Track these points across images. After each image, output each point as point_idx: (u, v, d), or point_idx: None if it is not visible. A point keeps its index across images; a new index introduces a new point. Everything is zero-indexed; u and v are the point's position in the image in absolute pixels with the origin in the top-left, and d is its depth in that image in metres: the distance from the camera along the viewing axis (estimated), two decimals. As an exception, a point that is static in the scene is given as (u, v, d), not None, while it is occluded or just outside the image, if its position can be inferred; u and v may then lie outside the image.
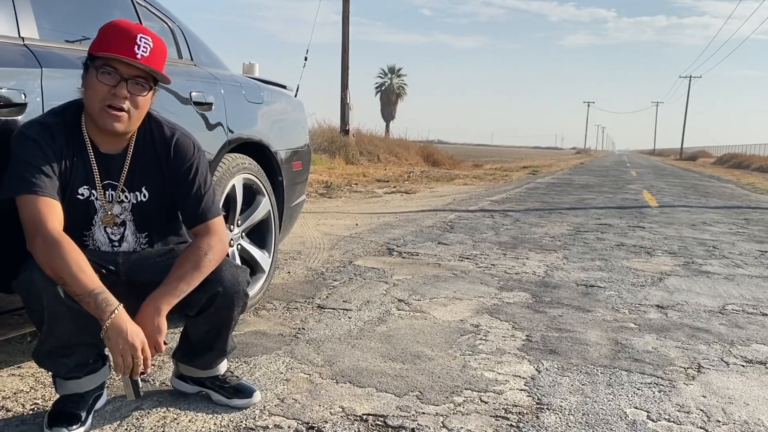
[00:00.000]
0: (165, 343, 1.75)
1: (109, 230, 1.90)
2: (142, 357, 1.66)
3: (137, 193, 1.90)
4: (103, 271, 1.81)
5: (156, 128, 1.93)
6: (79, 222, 1.85)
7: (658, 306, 3.55)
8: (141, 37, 1.74)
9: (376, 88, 58.27)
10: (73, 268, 1.61)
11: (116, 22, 1.79)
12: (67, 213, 1.78)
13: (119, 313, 1.63)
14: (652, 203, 10.13)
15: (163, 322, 1.73)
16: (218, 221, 1.94)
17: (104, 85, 1.74)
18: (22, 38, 2.00)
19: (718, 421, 2.10)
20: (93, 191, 1.85)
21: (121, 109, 1.76)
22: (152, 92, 1.84)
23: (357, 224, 6.53)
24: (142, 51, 1.73)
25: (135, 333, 1.65)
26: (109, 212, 1.88)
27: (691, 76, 72.13)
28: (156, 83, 1.84)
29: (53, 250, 1.62)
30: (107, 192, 1.87)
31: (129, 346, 1.63)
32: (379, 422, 1.99)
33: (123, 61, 1.73)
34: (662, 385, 2.39)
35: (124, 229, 1.92)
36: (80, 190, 1.83)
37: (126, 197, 1.89)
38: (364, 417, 2.02)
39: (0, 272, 1.79)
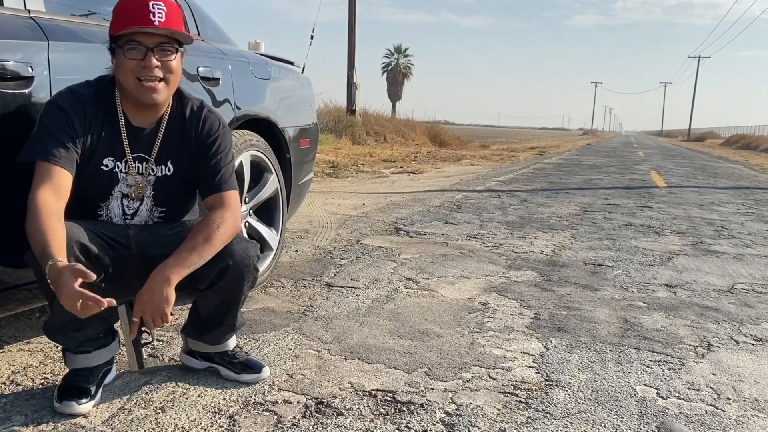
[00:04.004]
0: (171, 314, 1.71)
1: (125, 202, 1.90)
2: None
3: (162, 167, 1.91)
4: (114, 245, 1.81)
5: (185, 103, 1.95)
6: (98, 192, 1.86)
7: (666, 285, 3.53)
8: (153, 4, 1.75)
9: (383, 68, 57.86)
10: (33, 230, 1.56)
11: None
12: (87, 183, 1.80)
13: (52, 265, 1.48)
14: (660, 183, 10.07)
15: (172, 293, 1.70)
16: (233, 195, 1.94)
17: (133, 60, 1.76)
18: (29, 11, 1.98)
19: (728, 399, 2.09)
20: (118, 163, 1.86)
21: (156, 79, 1.78)
22: (180, 55, 1.85)
23: (364, 204, 6.51)
24: (159, 17, 1.74)
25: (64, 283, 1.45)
26: (140, 185, 1.89)
27: (699, 57, 71.45)
28: (180, 45, 1.85)
29: (28, 213, 1.61)
30: (136, 164, 1.88)
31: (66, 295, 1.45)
32: (388, 398, 1.99)
33: (143, 31, 1.74)
34: (672, 363, 2.38)
35: (141, 203, 1.92)
36: (105, 161, 1.84)
37: (152, 170, 1.90)
38: (373, 392, 2.02)
39: (12, 246, 1.78)
